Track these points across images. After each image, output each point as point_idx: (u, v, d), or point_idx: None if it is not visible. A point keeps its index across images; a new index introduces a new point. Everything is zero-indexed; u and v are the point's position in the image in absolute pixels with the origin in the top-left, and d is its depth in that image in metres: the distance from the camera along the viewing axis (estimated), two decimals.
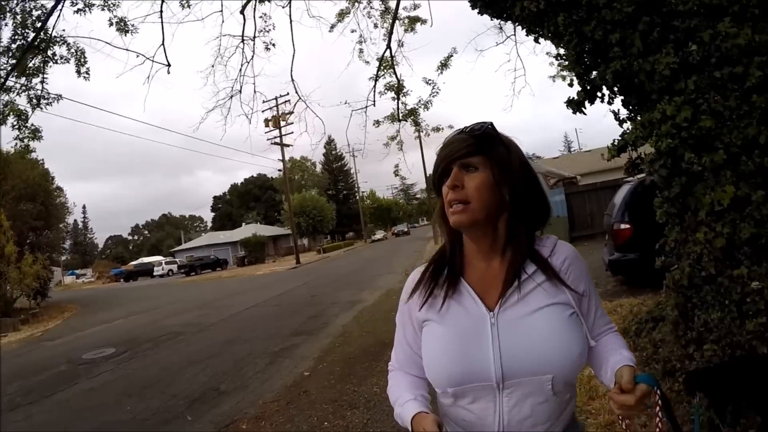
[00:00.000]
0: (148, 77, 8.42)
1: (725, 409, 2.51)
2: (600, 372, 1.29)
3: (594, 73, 3.86)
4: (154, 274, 49.41)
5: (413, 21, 10.44)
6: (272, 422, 4.81)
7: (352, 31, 10.73)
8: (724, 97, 3.12)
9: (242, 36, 9.34)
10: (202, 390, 6.25)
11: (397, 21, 10.26)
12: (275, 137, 35.40)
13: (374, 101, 11.01)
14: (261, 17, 9.25)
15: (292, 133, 34.42)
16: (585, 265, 1.30)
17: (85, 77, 8.11)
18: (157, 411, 5.71)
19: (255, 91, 9.90)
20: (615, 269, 8.01)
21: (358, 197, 74.66)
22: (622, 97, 3.86)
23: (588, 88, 3.97)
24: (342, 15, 10.14)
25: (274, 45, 9.59)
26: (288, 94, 29.56)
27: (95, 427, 5.53)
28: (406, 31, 10.60)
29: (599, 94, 3.95)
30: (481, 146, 1.21)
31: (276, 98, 30.21)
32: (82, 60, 7.96)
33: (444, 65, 10.42)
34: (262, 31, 9.46)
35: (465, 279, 1.27)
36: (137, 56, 8.34)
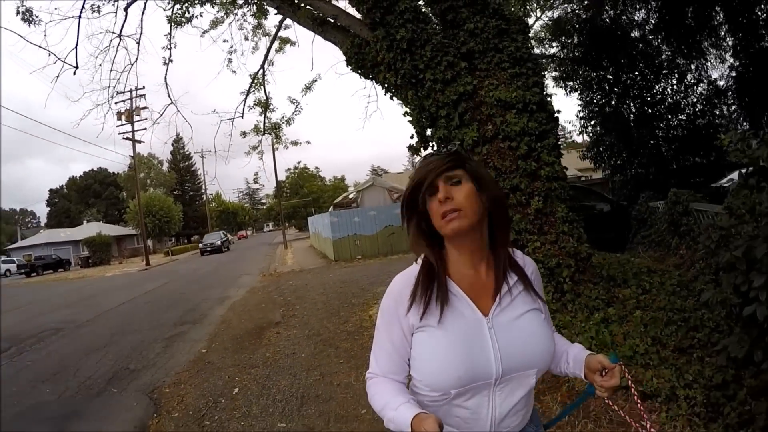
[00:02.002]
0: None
1: None
2: (558, 364, 1.53)
3: (428, 132, 5.86)
4: None
5: (284, 42, 11.84)
6: (190, 384, 6.11)
7: (224, 41, 12.00)
8: (502, 159, 5.22)
9: (120, 33, 9.99)
10: (113, 370, 7.15)
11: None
12: (126, 132, 34.41)
13: (242, 114, 12.43)
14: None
15: (145, 129, 33.83)
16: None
17: None
18: (79, 390, 6.44)
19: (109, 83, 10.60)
20: None
21: (205, 199, 72.66)
22: None
23: (422, 140, 5.98)
24: (216, 23, 10.91)
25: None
26: (144, 87, 29.36)
27: (24, 410, 5.96)
28: (276, 51, 11.99)
29: (430, 145, 5.99)
30: (458, 161, 1.33)
31: (131, 91, 29.73)
32: None
33: (308, 88, 12.02)
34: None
35: (457, 286, 1.37)
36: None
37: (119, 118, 32.92)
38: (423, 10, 6.09)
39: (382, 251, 21.15)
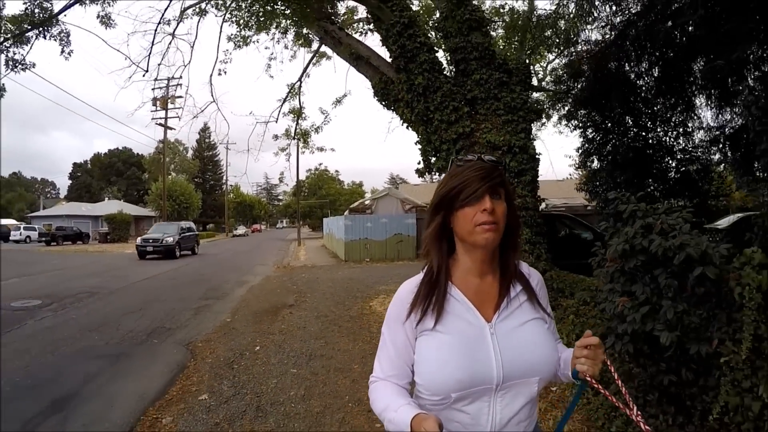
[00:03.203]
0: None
1: None
2: (556, 371, 1.51)
3: (433, 160, 7.23)
4: (10, 239, 46.38)
5: (321, 56, 13.27)
6: (219, 342, 7.53)
7: (266, 48, 13.43)
8: None
9: (173, 31, 11.33)
10: (151, 327, 8.54)
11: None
12: (160, 117, 36.09)
13: (277, 119, 13.92)
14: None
15: (178, 117, 35.49)
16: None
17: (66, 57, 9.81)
18: (124, 339, 7.75)
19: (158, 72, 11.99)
20: None
21: (225, 189, 74.34)
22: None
23: (427, 166, 7.39)
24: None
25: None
26: (181, 77, 31.03)
27: (79, 350, 7.09)
28: (313, 64, 13.48)
29: (434, 171, 7.40)
30: (502, 178, 1.38)
31: (168, 79, 31.24)
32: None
33: (338, 101, 13.56)
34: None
35: (462, 292, 1.41)
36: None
37: (154, 104, 34.59)
38: (439, 60, 7.48)
39: (390, 256, 22.68)
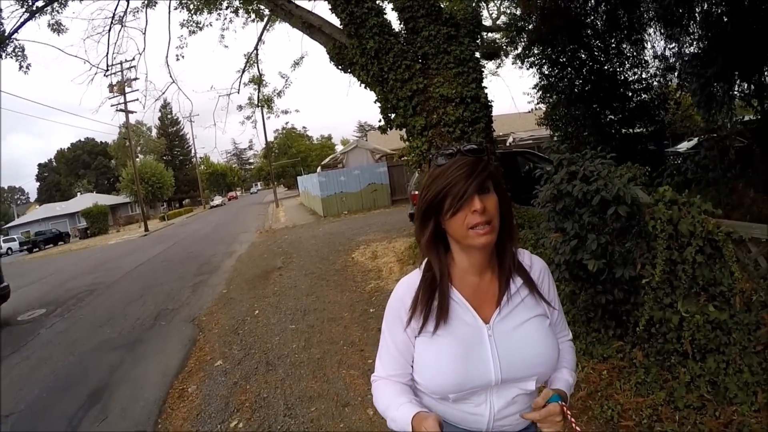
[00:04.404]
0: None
1: None
2: (549, 381, 1.50)
3: (391, 116, 7.69)
4: None
5: (273, 20, 13.25)
6: (221, 313, 8.12)
7: (216, 19, 13.49)
8: (441, 140, 7.10)
9: (121, 19, 11.51)
10: (156, 312, 9.04)
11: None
12: (119, 103, 35.66)
13: (239, 89, 14.20)
14: None
15: (137, 100, 35.16)
16: (551, 273, 1.53)
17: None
18: (134, 327, 8.15)
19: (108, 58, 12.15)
20: (411, 219, 12.03)
21: (196, 163, 74.08)
22: (403, 133, 7.84)
23: (387, 123, 7.86)
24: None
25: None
26: (134, 59, 30.66)
27: (96, 346, 7.56)
28: (266, 30, 13.66)
29: (394, 127, 7.87)
30: (488, 169, 1.31)
31: (121, 63, 30.79)
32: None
33: (297, 64, 13.85)
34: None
35: (460, 293, 1.40)
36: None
37: (111, 90, 33.99)
38: (389, 22, 7.84)
39: (366, 206, 23.35)
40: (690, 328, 3.37)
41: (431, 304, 1.38)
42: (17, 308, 12.26)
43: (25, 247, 43.40)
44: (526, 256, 1.50)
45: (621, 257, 3.68)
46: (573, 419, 1.28)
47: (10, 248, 45.29)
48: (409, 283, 1.47)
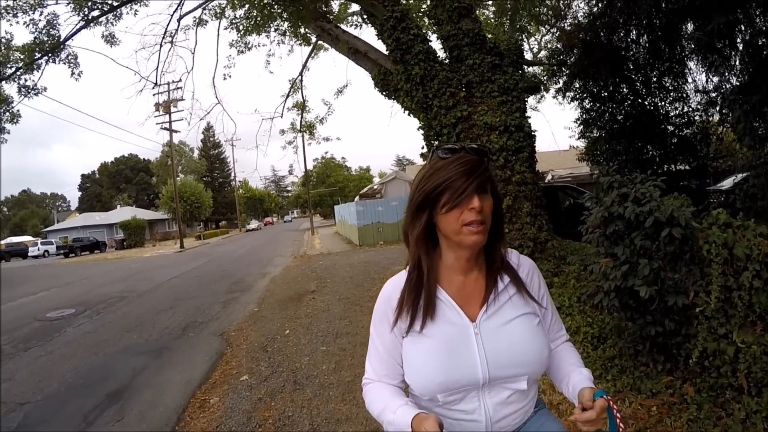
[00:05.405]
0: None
1: None
2: (561, 384, 1.48)
3: (435, 144, 7.65)
4: (29, 254, 47.57)
5: (318, 48, 13.70)
6: (250, 329, 8.08)
7: (263, 45, 13.80)
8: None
9: (172, 37, 11.75)
10: (185, 323, 9.10)
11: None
12: (164, 122, 36.70)
13: (282, 114, 14.45)
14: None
15: (182, 119, 36.11)
16: (541, 274, 1.53)
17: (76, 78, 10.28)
18: (161, 335, 8.32)
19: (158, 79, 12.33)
20: None
21: (234, 186, 75.94)
22: None
23: (430, 151, 7.81)
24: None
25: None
26: (180, 80, 31.60)
27: (122, 349, 7.67)
28: (311, 58, 13.93)
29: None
30: (489, 171, 1.33)
31: (168, 84, 31.70)
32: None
33: (340, 92, 14.09)
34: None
35: (445, 292, 1.39)
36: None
37: (157, 109, 35.03)
38: (434, 49, 7.88)
39: (402, 238, 22.99)
40: (746, 360, 3.18)
41: (417, 303, 1.38)
42: (47, 306, 12.67)
43: (62, 252, 44.92)
44: (514, 256, 1.50)
45: (673, 284, 3.52)
46: (618, 413, 1.29)
47: (47, 251, 47.02)
48: (395, 284, 1.48)
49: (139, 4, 10.44)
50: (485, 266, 1.43)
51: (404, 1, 8.31)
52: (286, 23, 10.51)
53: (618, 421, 1.28)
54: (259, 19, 9.98)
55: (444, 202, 1.29)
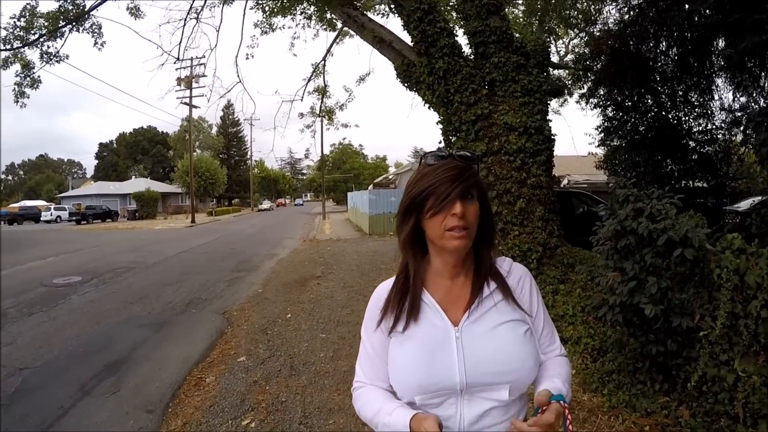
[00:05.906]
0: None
1: None
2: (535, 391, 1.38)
3: (452, 139, 7.58)
4: (41, 219, 47.63)
5: (343, 34, 13.57)
6: (253, 310, 8.10)
7: (290, 25, 13.74)
8: (501, 168, 6.92)
9: (197, 13, 11.49)
10: (189, 299, 9.16)
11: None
12: (185, 97, 36.85)
13: (302, 97, 14.39)
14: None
15: (203, 95, 36.21)
16: (535, 283, 1.50)
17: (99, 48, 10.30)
18: (164, 310, 8.37)
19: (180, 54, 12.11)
20: None
21: (250, 165, 75.99)
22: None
23: (448, 146, 7.75)
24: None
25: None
26: (204, 57, 31.71)
27: (124, 320, 7.73)
28: (336, 44, 13.85)
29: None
30: (475, 177, 1.34)
31: (191, 59, 31.85)
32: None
33: (362, 80, 13.97)
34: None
35: (430, 295, 1.39)
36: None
37: (179, 84, 35.18)
38: (459, 44, 7.78)
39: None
40: (745, 389, 3.12)
41: (402, 304, 1.39)
42: (55, 272, 12.76)
43: (74, 218, 45.25)
44: (505, 263, 1.49)
45: (680, 305, 3.45)
46: (570, 425, 1.27)
47: (59, 216, 47.27)
48: (385, 287, 1.50)
49: None
50: (473, 272, 1.42)
51: None
52: (313, 7, 10.44)
53: (569, 428, 1.27)
54: (285, 1, 9.92)
55: (428, 207, 1.30)
